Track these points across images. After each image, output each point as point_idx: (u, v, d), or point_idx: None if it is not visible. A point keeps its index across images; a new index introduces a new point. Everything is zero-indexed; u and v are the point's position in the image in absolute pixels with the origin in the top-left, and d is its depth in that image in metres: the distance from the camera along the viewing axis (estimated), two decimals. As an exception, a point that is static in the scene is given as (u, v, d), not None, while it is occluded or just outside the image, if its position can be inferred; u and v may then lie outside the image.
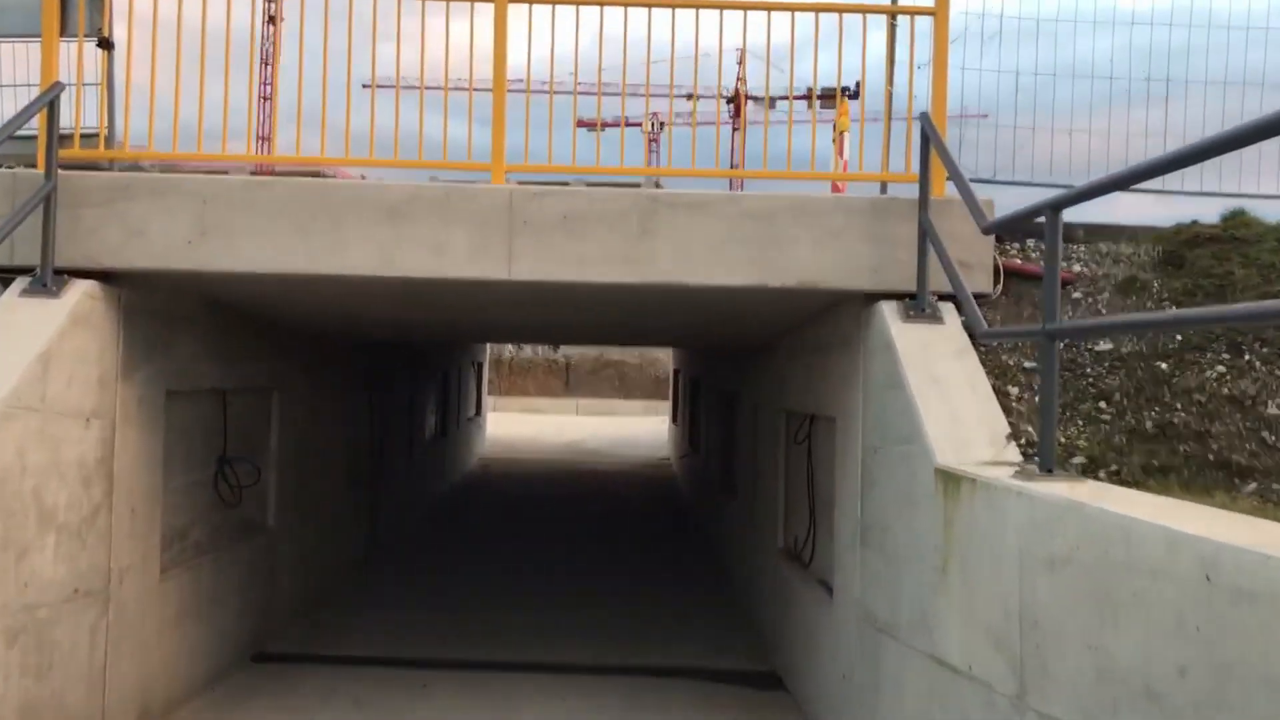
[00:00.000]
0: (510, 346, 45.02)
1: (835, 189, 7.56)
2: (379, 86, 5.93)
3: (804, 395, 8.01)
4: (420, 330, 9.56)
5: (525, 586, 11.70)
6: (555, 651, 9.17)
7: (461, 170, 6.11)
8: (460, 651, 9.08)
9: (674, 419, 25.11)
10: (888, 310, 5.79)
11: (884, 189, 6.36)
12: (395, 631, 9.66)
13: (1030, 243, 6.42)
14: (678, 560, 13.57)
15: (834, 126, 9.36)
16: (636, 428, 34.65)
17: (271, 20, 47.96)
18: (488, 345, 25.38)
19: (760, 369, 10.39)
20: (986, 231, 5.08)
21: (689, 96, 6.20)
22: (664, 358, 43.44)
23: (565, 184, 6.15)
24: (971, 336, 5.56)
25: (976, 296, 6.00)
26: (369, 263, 5.77)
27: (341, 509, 11.61)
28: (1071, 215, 4.42)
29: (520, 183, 6.00)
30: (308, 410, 10.09)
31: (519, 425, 34.53)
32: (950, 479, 4.60)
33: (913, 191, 5.94)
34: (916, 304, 5.77)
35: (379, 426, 13.99)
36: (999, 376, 5.46)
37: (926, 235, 5.72)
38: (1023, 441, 4.97)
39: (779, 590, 8.91)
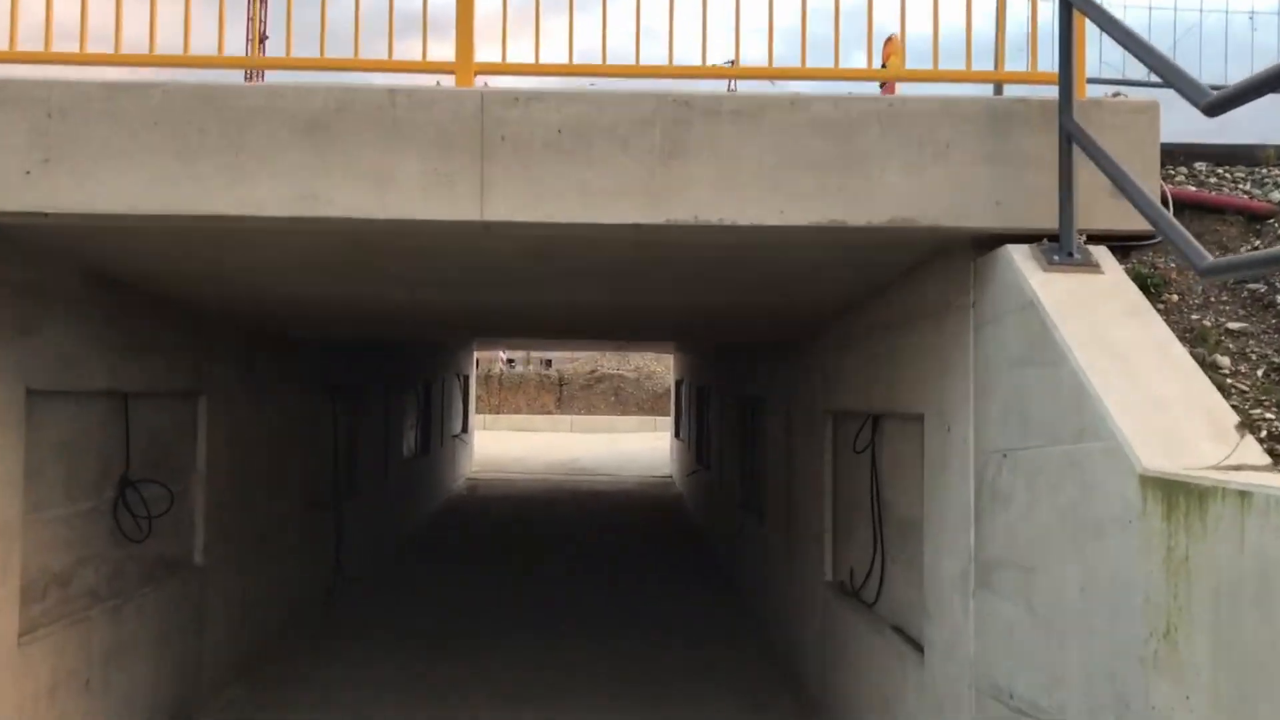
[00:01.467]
0: (501, 363, 43.30)
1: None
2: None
3: (866, 390, 6.35)
4: (375, 322, 7.91)
5: (518, 631, 9.98)
6: (557, 713, 7.47)
7: (413, 73, 4.45)
8: (439, 717, 7.38)
9: (676, 434, 23.42)
10: (1019, 257, 4.14)
11: (998, 91, 4.71)
12: (359, 694, 7.94)
13: (1200, 166, 4.77)
14: (692, 595, 11.86)
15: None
16: (635, 444, 32.95)
17: None
18: (474, 357, 23.69)
19: (794, 366, 8.73)
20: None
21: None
22: (661, 370, 41.78)
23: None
24: (1146, 289, 3.90)
25: (1132, 239, 4.36)
26: (282, 199, 4.12)
27: (297, 539, 9.88)
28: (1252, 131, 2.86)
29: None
30: (249, 420, 8.39)
31: (510, 443, 32.79)
32: (1175, 492, 2.93)
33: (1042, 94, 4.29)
34: (1059, 247, 4.12)
35: (346, 442, 12.27)
36: (1195, 343, 3.81)
37: (1073, 147, 4.07)
38: (1263, 434, 3.30)
39: (830, 635, 7.23)
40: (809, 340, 8.06)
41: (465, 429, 23.06)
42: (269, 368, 8.92)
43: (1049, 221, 4.20)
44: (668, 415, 36.15)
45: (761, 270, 5.33)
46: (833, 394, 7.32)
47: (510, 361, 44.09)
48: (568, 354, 41.18)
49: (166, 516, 6.82)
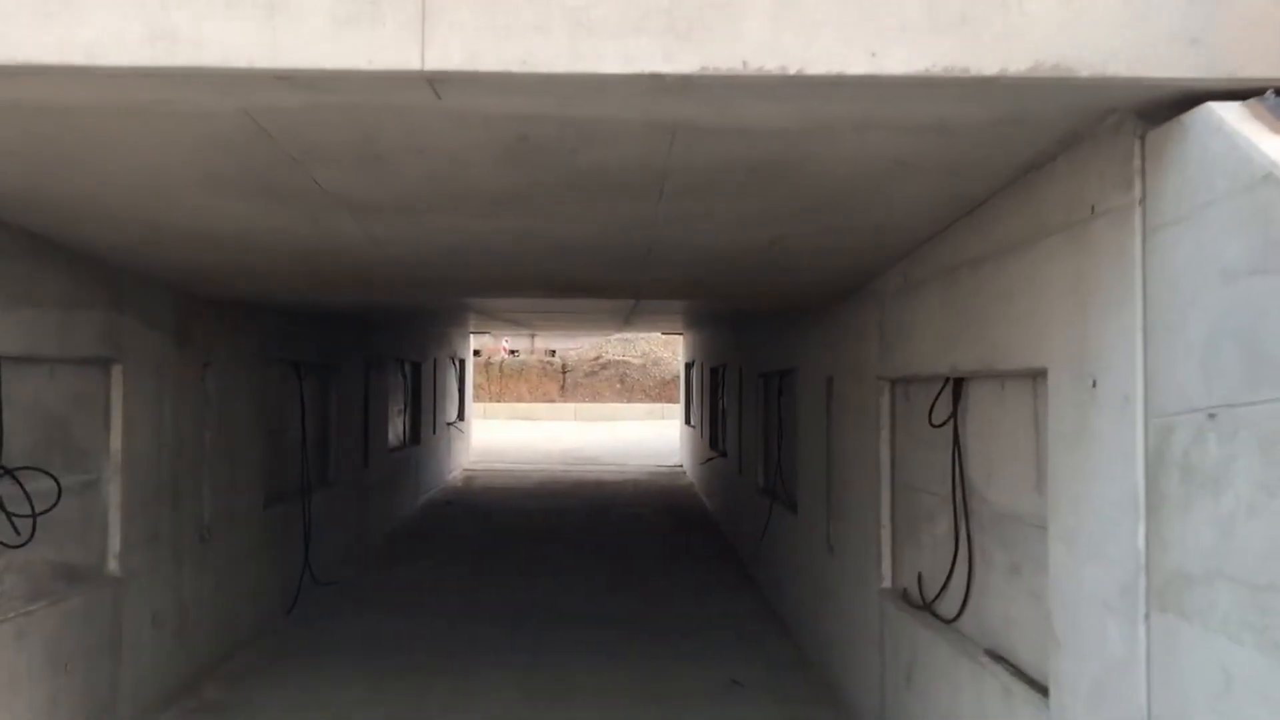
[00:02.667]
0: (503, 352, 41.97)
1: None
2: None
3: (945, 347, 5.00)
4: (337, 278, 6.57)
5: (515, 644, 8.66)
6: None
7: None
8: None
9: (687, 420, 22.08)
10: (1232, 119, 2.78)
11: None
12: (310, 724, 6.63)
13: None
14: (712, 600, 10.53)
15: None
16: (642, 432, 31.65)
17: None
18: (470, 340, 22.36)
19: (837, 328, 7.38)
20: None
21: None
22: (669, 356, 40.45)
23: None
24: None
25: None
26: (125, 40, 2.77)
27: (253, 540, 8.56)
28: None
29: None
30: (186, 397, 7.07)
31: (511, 432, 31.52)
32: None
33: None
34: (1295, 100, 2.76)
35: (317, 426, 10.94)
36: None
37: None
38: None
39: (890, 656, 5.89)
40: (858, 293, 6.70)
41: (462, 416, 21.75)
42: (213, 336, 7.59)
43: (1272, 67, 2.83)
44: (675, 402, 34.86)
45: (820, 178, 3.97)
46: (892, 356, 5.97)
47: (514, 352, 42.83)
48: (571, 340, 39.96)
49: (68, 515, 5.50)
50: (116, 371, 6.14)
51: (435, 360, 17.88)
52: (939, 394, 5.22)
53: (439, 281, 6.59)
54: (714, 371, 16.69)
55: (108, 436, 6.11)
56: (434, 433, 17.90)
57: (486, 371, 37.17)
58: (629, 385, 37.72)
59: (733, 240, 5.16)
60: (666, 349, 37.07)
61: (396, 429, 15.39)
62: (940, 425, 5.18)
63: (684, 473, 21.95)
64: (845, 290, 6.78)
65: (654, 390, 37.03)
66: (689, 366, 21.98)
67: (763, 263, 5.78)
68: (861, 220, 4.70)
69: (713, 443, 16.68)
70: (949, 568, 5.15)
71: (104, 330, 5.91)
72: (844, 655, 7.12)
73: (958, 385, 5.03)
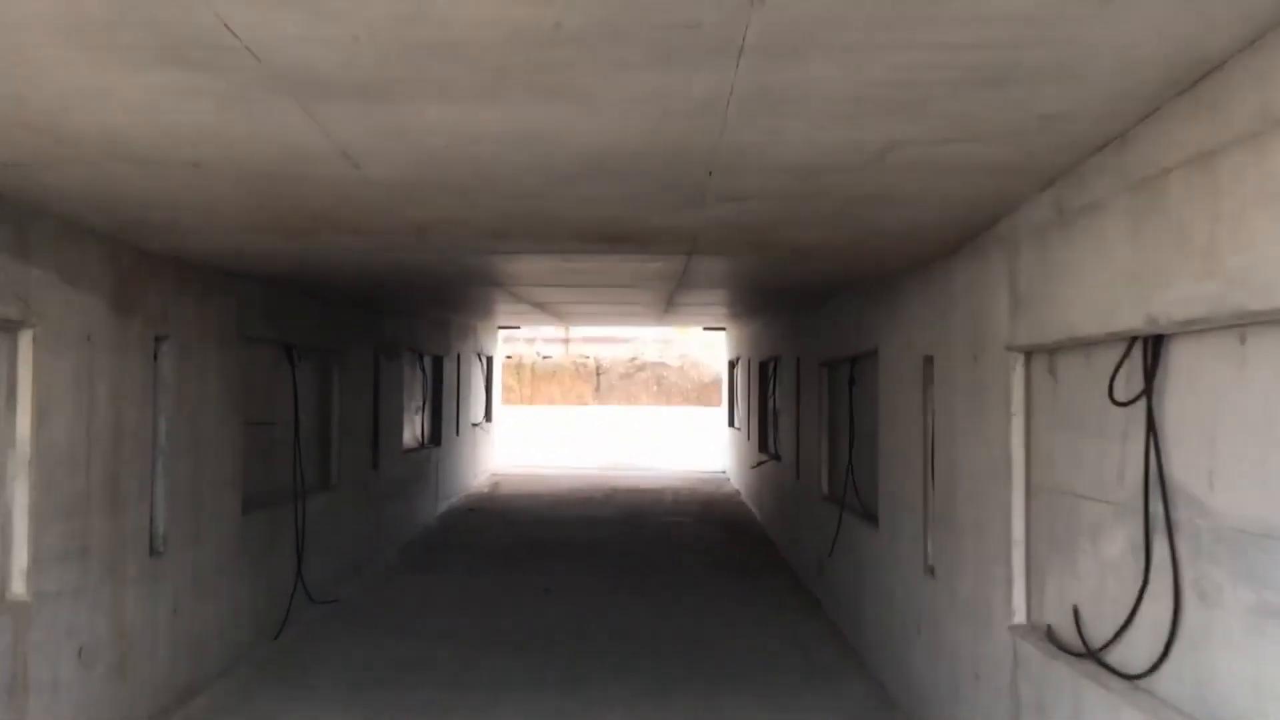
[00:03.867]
0: (538, 349, 40.70)
1: None
2: None
3: (1142, 291, 3.56)
4: (316, 224, 5.23)
5: (543, 683, 7.29)
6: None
7: None
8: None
9: (731, 422, 20.64)
10: None
11: None
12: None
13: None
14: (768, 629, 9.11)
15: None
16: (681, 436, 30.26)
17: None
18: (498, 335, 21.06)
19: (942, 292, 5.96)
20: None
21: None
22: (707, 359, 39.02)
23: None
24: None
25: None
26: None
27: (226, 553, 7.26)
28: None
29: None
30: (133, 377, 5.77)
31: (541, 435, 30.25)
32: None
33: None
34: None
35: (316, 420, 9.65)
36: None
37: None
38: None
39: (1042, 716, 4.43)
40: (977, 241, 5.27)
41: (489, 417, 20.45)
42: (170, 304, 6.29)
43: None
44: (715, 405, 33.44)
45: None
46: (1032, 318, 4.54)
47: (546, 358, 41.63)
48: (606, 345, 38.61)
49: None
50: (25, 338, 4.83)
51: (459, 355, 16.59)
52: (1121, 360, 3.78)
53: (440, 227, 5.23)
54: (763, 367, 15.25)
55: (11, 422, 4.80)
56: (457, 434, 16.59)
57: (518, 373, 35.95)
58: (666, 388, 36.31)
59: (830, 146, 3.75)
60: (705, 351, 35.65)
61: (414, 428, 14.10)
62: (1127, 404, 3.74)
63: (727, 479, 20.52)
64: (957, 238, 5.34)
65: (692, 393, 35.59)
66: (733, 364, 20.54)
67: (863, 191, 4.37)
68: (1029, 102, 3.27)
69: (762, 445, 15.23)
70: (1133, 602, 3.71)
71: (5, 287, 4.61)
72: (952, 705, 5.67)
73: (1153, 346, 3.59)
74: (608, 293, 9.38)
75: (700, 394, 34.88)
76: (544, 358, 40.69)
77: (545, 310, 12.46)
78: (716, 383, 34.89)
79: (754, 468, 14.57)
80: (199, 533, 6.74)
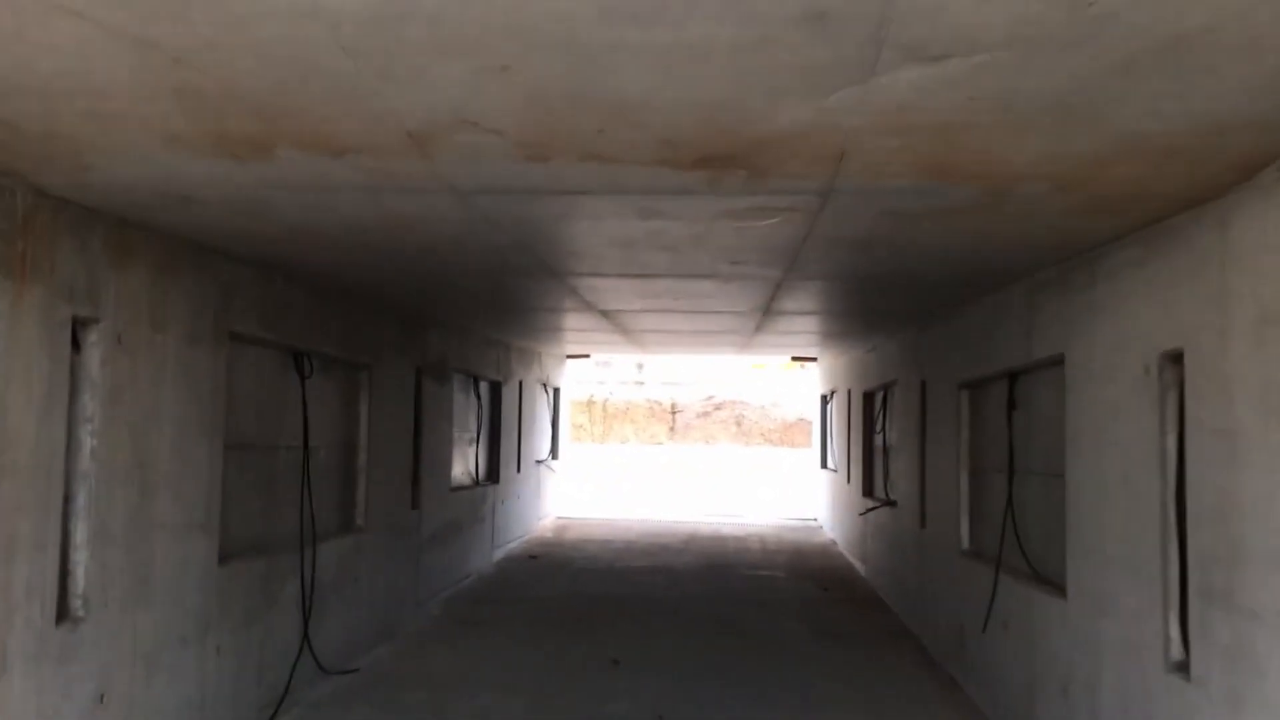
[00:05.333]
0: (608, 383, 38.86)
1: None
2: None
3: None
4: (333, 199, 3.56)
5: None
6: None
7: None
8: None
9: (825, 462, 18.56)
10: None
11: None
12: None
13: None
14: (902, 714, 7.08)
15: None
16: (764, 478, 28.21)
17: None
18: (565, 363, 19.36)
19: (1188, 260, 4.03)
20: None
21: None
22: (789, 396, 36.80)
23: None
24: None
25: None
26: None
27: (192, 616, 5.54)
28: None
29: None
30: (20, 366, 4.10)
31: (612, 474, 28.44)
32: None
33: None
34: None
35: (335, 447, 7.97)
36: None
37: None
38: None
39: None
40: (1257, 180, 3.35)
41: (555, 454, 18.69)
42: (105, 280, 4.63)
43: None
44: (799, 446, 31.25)
45: None
46: None
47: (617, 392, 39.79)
48: (678, 381, 36.62)
49: None
50: None
51: (521, 383, 14.89)
52: None
53: (447, 135, 3.46)
54: (868, 398, 13.25)
55: None
56: (518, 471, 14.85)
57: (589, 410, 34.23)
58: (746, 428, 34.21)
59: None
60: (787, 387, 33.56)
61: (466, 463, 12.38)
62: None
63: (820, 526, 18.42)
64: (1252, 156, 3.41)
65: (774, 433, 33.45)
66: (826, 399, 18.52)
67: (1155, 40, 2.50)
68: None
69: (867, 489, 13.18)
70: None
71: None
72: None
73: None
74: (691, 290, 7.51)
75: (783, 434, 32.73)
76: (609, 393, 38.94)
77: (615, 325, 10.66)
78: (800, 422, 32.73)
79: (862, 515, 12.52)
80: (146, 590, 5.03)
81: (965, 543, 7.97)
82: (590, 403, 35.04)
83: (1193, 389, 4.08)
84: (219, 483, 5.81)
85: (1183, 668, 4.18)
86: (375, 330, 8.51)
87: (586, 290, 7.64)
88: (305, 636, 7.02)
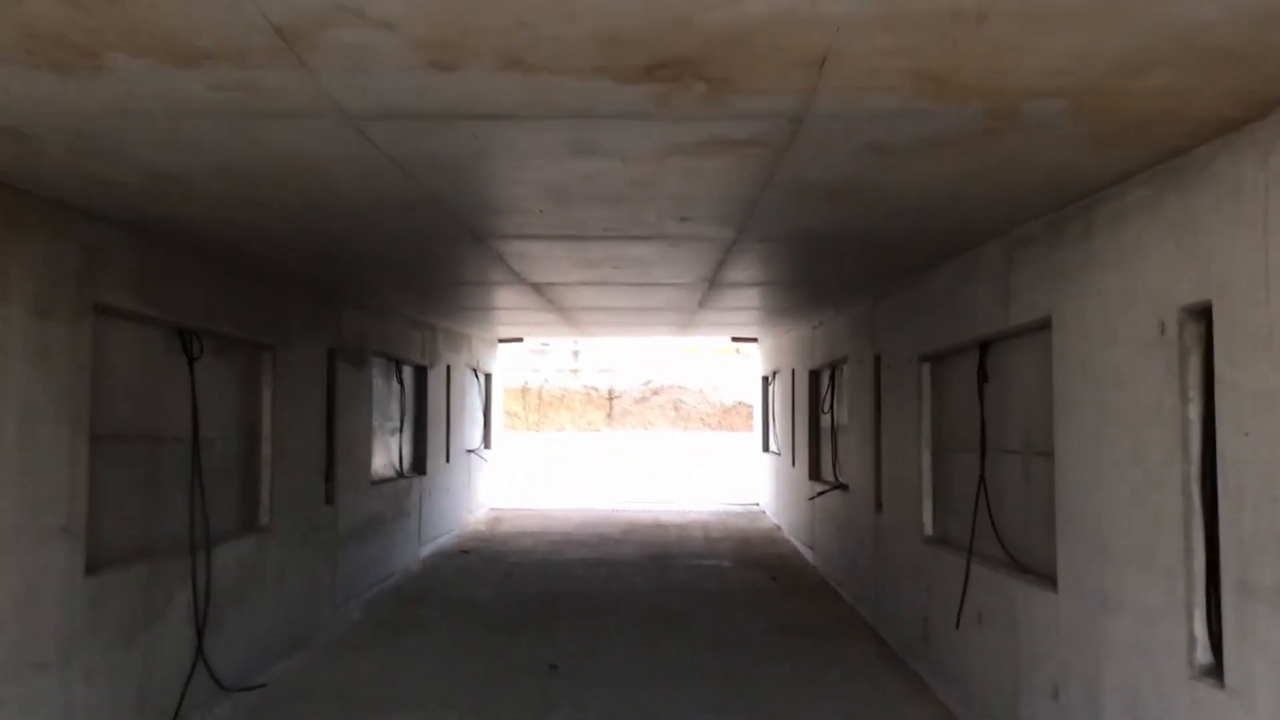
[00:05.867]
0: (543, 370, 37.93)
1: None
2: None
3: None
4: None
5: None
6: None
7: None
8: None
9: (767, 445, 18.03)
10: None
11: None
12: None
13: None
14: (869, 714, 6.50)
15: None
16: (704, 463, 27.67)
17: None
18: (497, 347, 18.52)
19: (1215, 197, 3.42)
20: None
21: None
22: (727, 381, 36.29)
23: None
24: None
25: None
26: None
27: (52, 641, 4.71)
28: None
29: None
30: None
31: (548, 463, 27.68)
32: None
33: None
34: None
35: (235, 437, 7.14)
36: None
37: None
38: None
39: None
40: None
41: (487, 444, 17.89)
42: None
43: None
44: (738, 430, 30.79)
45: None
46: None
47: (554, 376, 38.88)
48: (615, 366, 35.86)
49: None
50: None
51: (449, 368, 14.07)
52: None
53: (326, 29, 2.70)
54: (814, 377, 12.69)
55: None
56: (447, 461, 14.04)
57: (524, 398, 33.37)
58: (684, 413, 33.64)
59: None
60: (726, 371, 33.06)
61: (389, 453, 11.56)
62: None
63: (763, 511, 17.89)
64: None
65: (713, 417, 32.93)
66: (768, 380, 17.97)
67: None
68: None
69: (814, 472, 12.64)
70: None
71: None
72: None
73: None
74: (633, 256, 6.80)
75: (722, 418, 32.24)
76: (543, 379, 37.97)
77: (549, 302, 9.91)
78: (739, 406, 32.26)
79: (811, 500, 11.95)
80: (23, 598, 4.20)
81: (929, 528, 7.41)
82: (525, 390, 34.19)
83: (1223, 348, 3.49)
84: (85, 480, 4.98)
85: (1212, 673, 3.61)
86: (279, 307, 7.67)
87: (515, 258, 6.89)
88: (199, 651, 6.20)
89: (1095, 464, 4.53)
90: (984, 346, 6.24)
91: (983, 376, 6.26)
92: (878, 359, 8.89)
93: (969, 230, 5.56)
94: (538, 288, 8.68)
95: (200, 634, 6.20)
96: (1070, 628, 4.76)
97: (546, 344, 48.91)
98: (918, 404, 7.58)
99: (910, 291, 7.73)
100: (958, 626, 6.26)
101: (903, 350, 8.01)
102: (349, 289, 8.60)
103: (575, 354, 44.99)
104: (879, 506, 8.81)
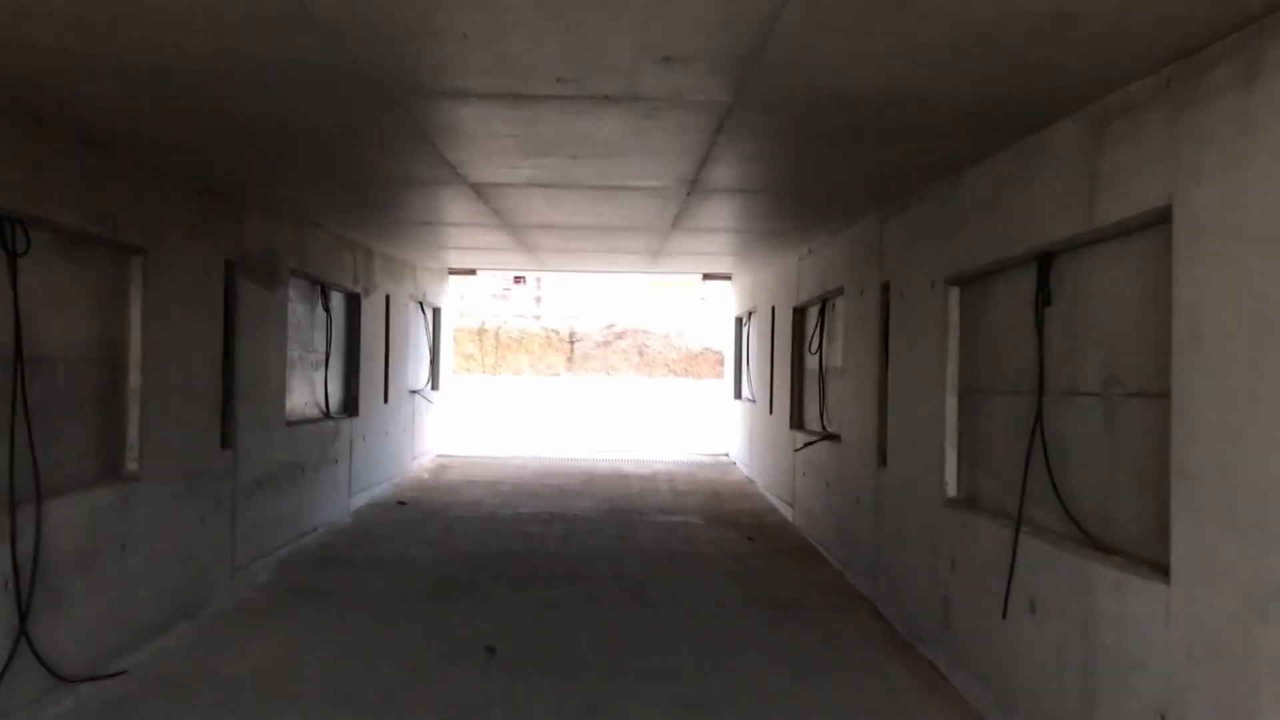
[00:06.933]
0: (503, 315, 36.26)
1: None
2: None
3: None
4: None
5: None
6: None
7: None
8: None
9: (739, 392, 16.72)
10: None
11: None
12: None
13: None
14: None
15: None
16: (670, 411, 26.41)
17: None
18: (446, 278, 16.98)
19: None
20: None
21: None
22: (695, 325, 34.87)
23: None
24: None
25: None
26: None
27: None
28: None
29: None
30: None
31: (504, 408, 26.30)
32: None
33: None
34: None
35: (81, 364, 5.66)
36: None
37: None
38: None
39: None
40: None
41: (435, 385, 16.41)
42: None
43: None
44: (704, 377, 29.50)
45: None
46: None
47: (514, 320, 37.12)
48: (578, 310, 34.34)
49: None
50: None
51: (389, 298, 12.56)
52: None
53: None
54: (799, 314, 11.34)
55: None
56: (386, 402, 12.58)
57: (480, 339, 31.83)
58: (649, 358, 32.25)
59: None
60: (693, 315, 31.66)
61: (313, 390, 10.09)
62: None
63: (733, 463, 16.64)
64: None
65: (679, 363, 31.58)
66: (742, 320, 16.62)
67: None
68: None
69: (796, 420, 11.34)
70: None
71: None
72: None
73: None
74: (599, 133, 5.37)
75: (689, 364, 30.92)
76: (500, 320, 36.25)
77: (495, 212, 8.43)
78: (706, 352, 30.93)
79: (798, 450, 10.64)
80: None
81: (951, 488, 6.11)
82: (482, 331, 32.62)
83: None
84: None
85: None
86: (152, 198, 6.15)
87: (445, 138, 5.40)
88: (22, 634, 4.78)
89: (1247, 409, 3.20)
90: (1046, 260, 4.88)
91: (1043, 299, 4.91)
92: (885, 287, 7.53)
93: (1037, 100, 4.18)
94: (479, 190, 7.20)
95: (23, 613, 4.77)
96: (1193, 633, 3.46)
97: (508, 290, 47.07)
98: (941, 338, 6.24)
99: (933, 202, 6.36)
100: (1005, 615, 4.95)
101: (921, 274, 6.64)
102: (254, 184, 7.08)
103: (538, 299, 43.25)
104: (882, 460, 7.51)
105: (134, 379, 6.03)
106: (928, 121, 4.72)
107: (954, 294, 6.16)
